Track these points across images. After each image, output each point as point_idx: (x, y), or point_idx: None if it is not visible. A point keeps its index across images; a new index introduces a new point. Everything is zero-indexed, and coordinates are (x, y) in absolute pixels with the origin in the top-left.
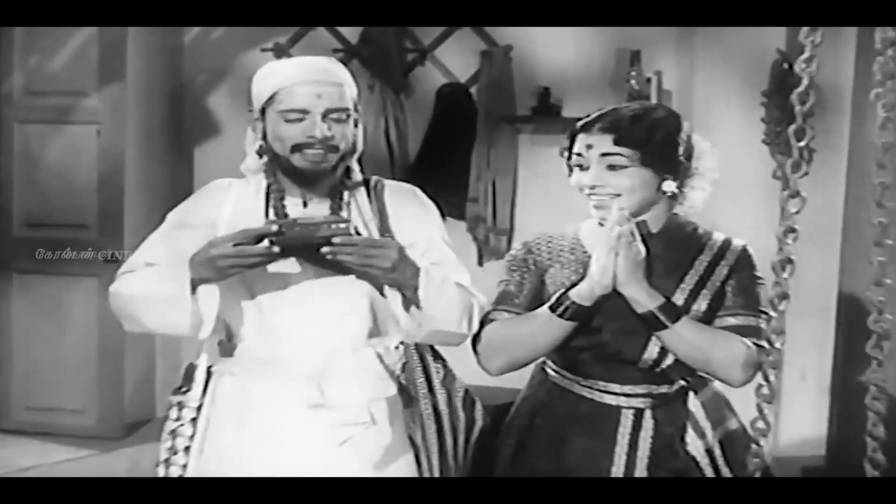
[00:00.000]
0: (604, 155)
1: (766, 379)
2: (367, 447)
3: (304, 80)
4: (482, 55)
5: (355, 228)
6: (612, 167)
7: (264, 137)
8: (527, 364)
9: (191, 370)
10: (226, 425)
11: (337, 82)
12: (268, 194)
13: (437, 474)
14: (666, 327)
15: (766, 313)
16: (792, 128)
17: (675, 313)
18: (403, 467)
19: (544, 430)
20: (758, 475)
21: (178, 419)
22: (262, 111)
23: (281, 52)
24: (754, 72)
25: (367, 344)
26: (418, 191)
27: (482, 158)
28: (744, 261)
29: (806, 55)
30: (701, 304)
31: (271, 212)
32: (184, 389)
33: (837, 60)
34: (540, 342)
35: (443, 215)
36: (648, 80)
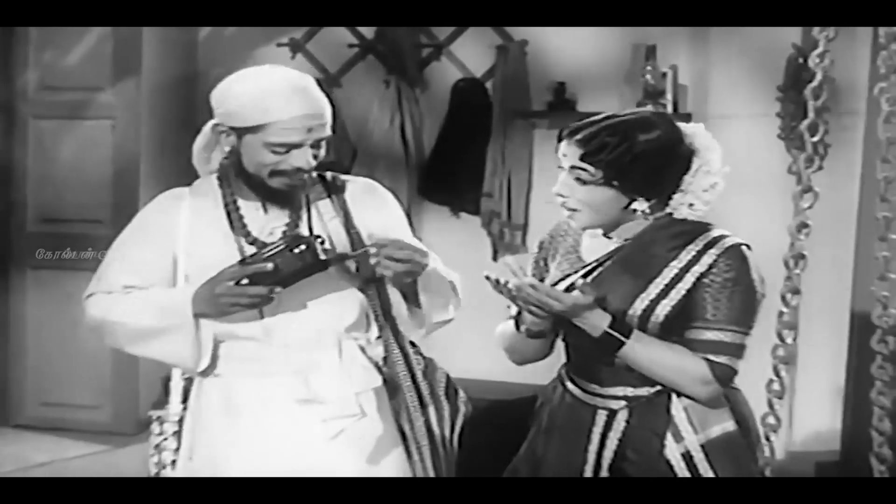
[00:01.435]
0: (572, 167)
1: (777, 374)
2: (360, 439)
3: (297, 115)
4: (498, 50)
5: (311, 236)
6: (579, 179)
7: (231, 152)
8: (525, 362)
9: (166, 382)
10: (214, 427)
11: (322, 113)
12: (227, 205)
13: (428, 465)
14: (623, 343)
15: (743, 326)
16: (805, 123)
17: (626, 328)
18: (396, 458)
19: (541, 425)
20: (768, 472)
21: (160, 434)
22: (235, 129)
23: (296, 47)
24: (770, 66)
25: (349, 337)
26: (376, 184)
27: (497, 153)
28: (721, 267)
29: (820, 50)
30: (659, 315)
31: (242, 237)
32: (162, 404)
33: (853, 57)
34: (518, 349)
35: (457, 211)
36: (664, 74)
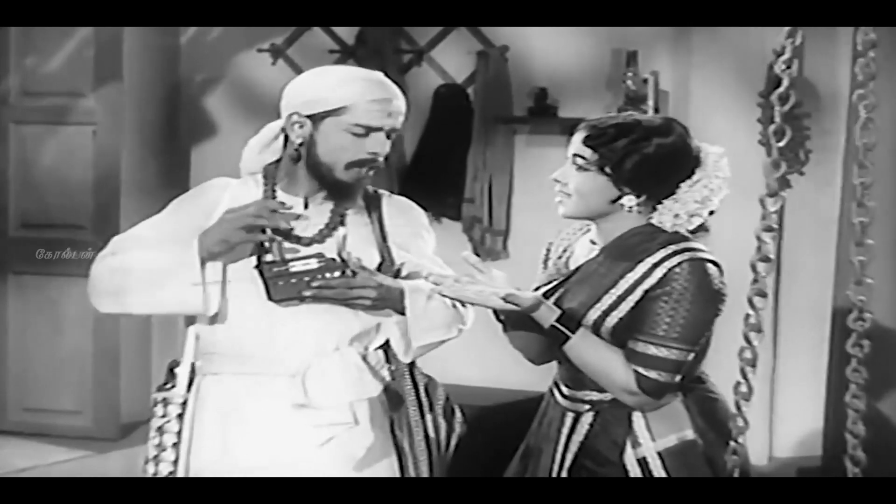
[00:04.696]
0: (574, 155)
1: (744, 377)
2: (349, 447)
3: (379, 98)
4: (478, 56)
5: (343, 259)
6: (577, 167)
7: (301, 143)
8: (533, 357)
9: (173, 366)
10: (210, 424)
11: (399, 103)
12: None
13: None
14: (568, 338)
15: (682, 343)
16: (771, 128)
17: (574, 324)
18: (385, 469)
19: (532, 427)
20: (736, 473)
21: (164, 416)
22: (313, 117)
23: (277, 53)
24: (751, 72)
25: (350, 344)
26: (412, 204)
27: (478, 159)
28: (668, 283)
29: (786, 56)
30: (608, 326)
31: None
32: (168, 386)
33: (834, 61)
34: (516, 344)
35: (439, 216)
36: (645, 80)
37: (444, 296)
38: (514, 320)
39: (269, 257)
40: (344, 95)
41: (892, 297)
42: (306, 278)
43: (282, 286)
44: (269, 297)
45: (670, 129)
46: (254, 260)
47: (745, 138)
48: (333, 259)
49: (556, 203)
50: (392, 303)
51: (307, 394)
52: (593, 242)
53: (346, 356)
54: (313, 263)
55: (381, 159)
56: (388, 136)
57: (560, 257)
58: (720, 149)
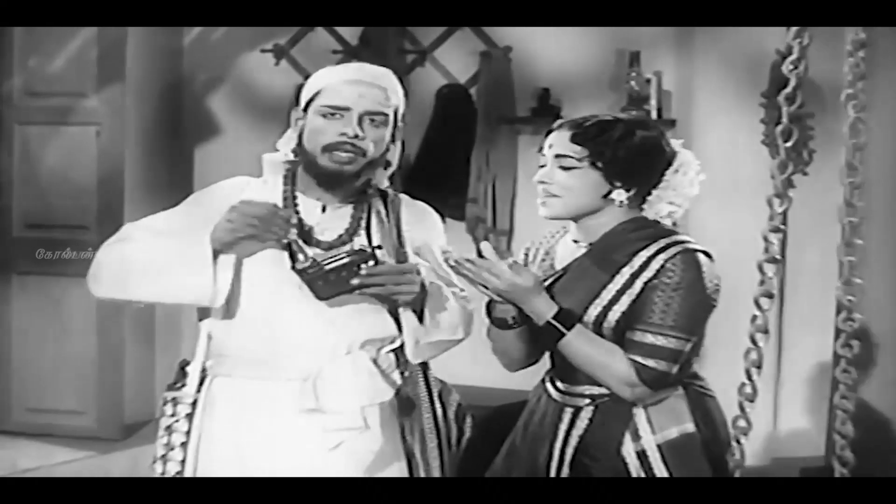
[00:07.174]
0: (558, 156)
1: (749, 378)
2: (359, 452)
3: (349, 79)
4: (482, 56)
5: (373, 250)
6: (563, 167)
7: (300, 137)
8: (513, 364)
9: (184, 365)
10: (220, 426)
11: (382, 86)
12: (285, 199)
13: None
14: (563, 335)
15: (681, 331)
16: (778, 128)
17: (570, 321)
18: (394, 474)
19: (521, 422)
20: (737, 474)
21: (173, 415)
22: (306, 109)
23: (281, 53)
24: (754, 72)
25: (362, 348)
26: (430, 209)
27: (482, 159)
28: (666, 273)
29: (794, 56)
30: (611, 321)
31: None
32: (177, 385)
33: (838, 61)
34: (500, 347)
35: (443, 217)
36: (648, 80)
37: (453, 267)
38: (500, 321)
39: (300, 258)
40: (321, 80)
41: (891, 298)
42: (343, 273)
43: (322, 285)
44: (318, 297)
45: (649, 123)
46: (270, 264)
47: (747, 139)
48: (363, 249)
49: (539, 205)
50: (419, 298)
51: (318, 398)
52: (576, 241)
53: (358, 360)
54: (344, 258)
55: (360, 144)
56: (363, 120)
57: (544, 260)
58: (678, 140)
